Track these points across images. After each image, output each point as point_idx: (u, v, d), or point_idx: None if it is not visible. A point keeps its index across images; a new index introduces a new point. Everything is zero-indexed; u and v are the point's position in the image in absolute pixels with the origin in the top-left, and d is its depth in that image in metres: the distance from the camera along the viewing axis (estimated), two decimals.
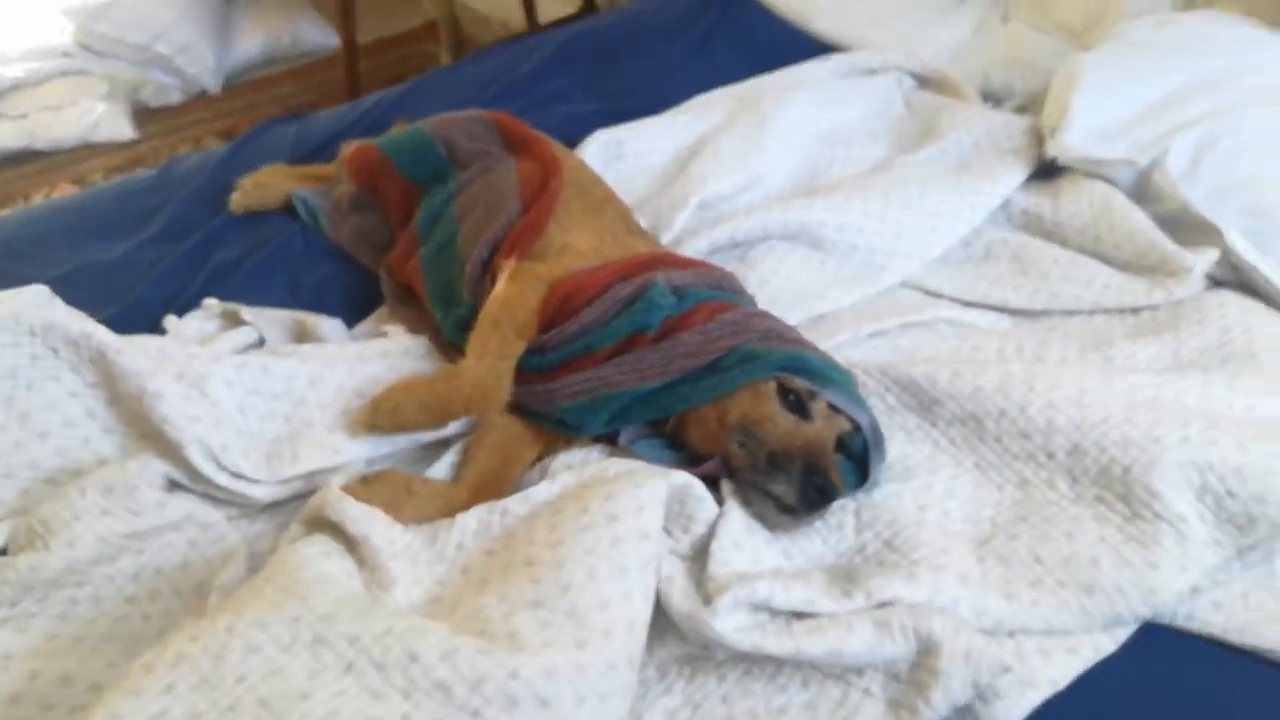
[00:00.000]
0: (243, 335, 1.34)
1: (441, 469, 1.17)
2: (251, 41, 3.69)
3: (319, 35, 3.83)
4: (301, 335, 1.38)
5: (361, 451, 1.16)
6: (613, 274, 1.23)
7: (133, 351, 1.13)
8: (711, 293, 1.26)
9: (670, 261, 1.31)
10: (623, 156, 1.79)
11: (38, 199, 3.05)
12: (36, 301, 1.18)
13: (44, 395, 1.13)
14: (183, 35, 3.45)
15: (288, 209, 1.66)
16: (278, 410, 1.19)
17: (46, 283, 1.40)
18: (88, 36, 3.36)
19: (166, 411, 1.09)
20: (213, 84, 3.56)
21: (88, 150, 3.26)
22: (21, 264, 1.50)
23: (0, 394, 1.12)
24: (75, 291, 1.37)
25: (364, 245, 1.57)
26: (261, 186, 1.67)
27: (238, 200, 1.64)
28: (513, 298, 1.21)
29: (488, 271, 1.31)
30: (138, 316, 1.40)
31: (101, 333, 1.15)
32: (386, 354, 1.29)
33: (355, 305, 1.48)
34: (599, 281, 1.22)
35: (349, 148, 1.65)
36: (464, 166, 1.54)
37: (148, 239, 1.58)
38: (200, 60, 3.51)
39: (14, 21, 3.39)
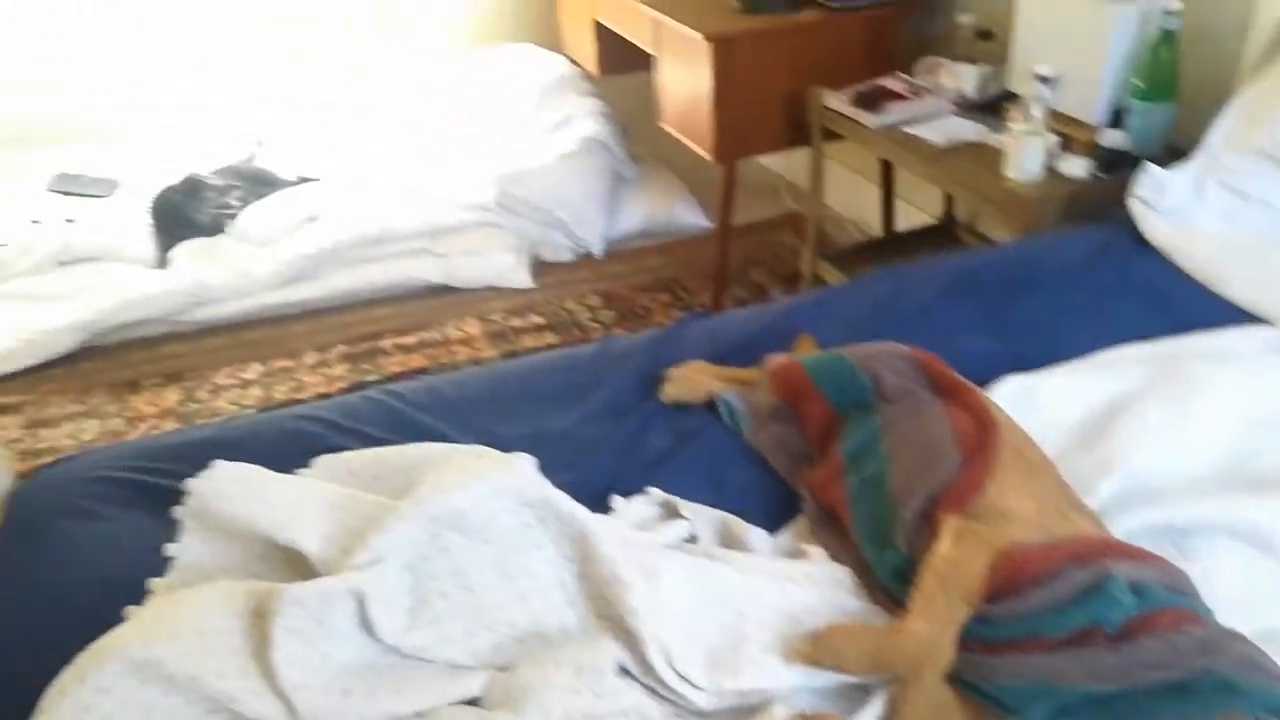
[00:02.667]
0: (680, 528, 1.44)
1: (867, 719, 1.17)
2: (634, 216, 4.16)
3: (691, 216, 4.25)
4: (728, 538, 1.46)
5: (795, 679, 1.19)
6: (1064, 556, 1.21)
7: (611, 540, 1.26)
8: (1170, 595, 1.20)
9: (1120, 550, 1.26)
10: (1033, 408, 1.77)
11: (449, 328, 3.54)
12: (532, 476, 1.35)
13: (527, 561, 1.28)
14: (580, 206, 3.97)
15: (708, 405, 1.80)
16: (717, 618, 1.26)
17: (512, 441, 1.62)
18: (505, 198, 3.95)
19: (635, 604, 1.19)
20: (597, 248, 4.02)
21: (492, 292, 3.76)
22: (492, 420, 1.73)
23: (495, 554, 1.28)
24: (535, 454, 1.56)
25: (781, 453, 1.66)
26: (687, 380, 1.83)
27: (669, 391, 1.80)
28: (961, 561, 1.22)
29: (925, 522, 1.33)
30: (585, 488, 1.54)
31: (584, 514, 1.29)
32: (815, 580, 1.33)
33: (773, 512, 1.55)
34: (1050, 562, 1.20)
35: (773, 362, 1.77)
36: (887, 400, 1.60)
37: (590, 414, 1.76)
38: (590, 227, 3.99)
39: (453, 180, 4.07)
